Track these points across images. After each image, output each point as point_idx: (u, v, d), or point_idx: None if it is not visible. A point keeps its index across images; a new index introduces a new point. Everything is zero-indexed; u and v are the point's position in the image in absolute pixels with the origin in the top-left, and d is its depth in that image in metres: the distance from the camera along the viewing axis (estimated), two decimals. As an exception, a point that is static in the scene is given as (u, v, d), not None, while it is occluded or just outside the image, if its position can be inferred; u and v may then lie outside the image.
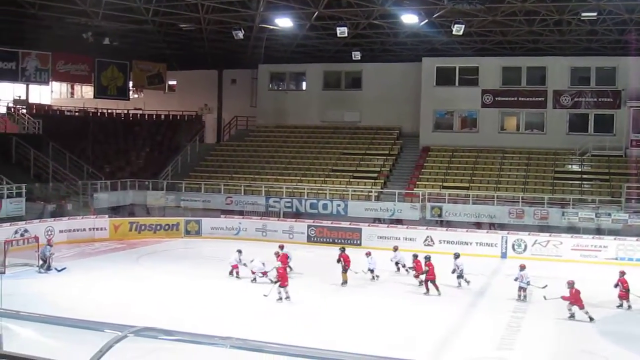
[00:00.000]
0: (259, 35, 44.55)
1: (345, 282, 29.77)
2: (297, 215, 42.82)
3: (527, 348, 21.08)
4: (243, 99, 57.03)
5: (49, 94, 61.92)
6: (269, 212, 43.45)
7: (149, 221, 42.42)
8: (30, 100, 56.20)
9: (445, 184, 43.81)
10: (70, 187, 44.09)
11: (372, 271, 31.03)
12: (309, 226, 41.11)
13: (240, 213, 43.57)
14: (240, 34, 41.95)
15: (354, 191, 43.81)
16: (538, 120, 48.28)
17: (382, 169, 47.02)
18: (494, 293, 28.84)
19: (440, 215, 40.84)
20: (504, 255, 37.25)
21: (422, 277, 28.58)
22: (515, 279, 27.49)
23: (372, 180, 45.41)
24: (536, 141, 47.33)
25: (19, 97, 55.36)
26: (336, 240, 39.88)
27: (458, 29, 38.36)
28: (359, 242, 39.55)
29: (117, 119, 58.08)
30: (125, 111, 58.88)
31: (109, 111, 58.56)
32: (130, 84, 57.56)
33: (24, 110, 53.08)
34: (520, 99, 48.02)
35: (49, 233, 36.79)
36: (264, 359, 7.71)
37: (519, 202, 40.71)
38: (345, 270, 29.93)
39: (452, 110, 49.88)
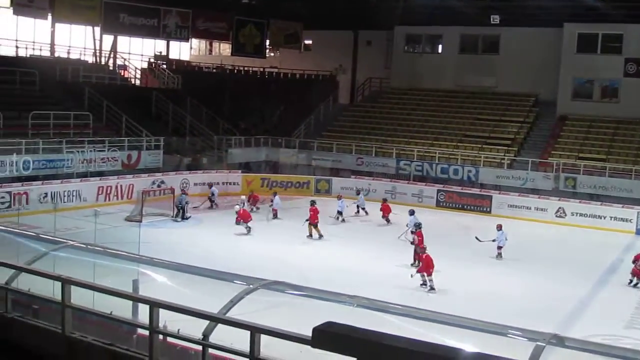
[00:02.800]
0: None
1: (310, 235, 30.81)
2: (427, 179, 42.65)
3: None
4: (377, 60, 56.85)
5: (188, 50, 63.46)
6: (399, 175, 43.42)
7: (280, 178, 43.17)
8: (170, 56, 57.73)
9: (581, 155, 42.48)
10: (205, 142, 45.25)
11: (340, 213, 35.05)
12: (438, 191, 40.88)
13: (370, 174, 43.73)
14: (378, -5, 41.76)
15: (486, 158, 43.16)
16: (685, 92, 46.04)
17: (517, 136, 46.03)
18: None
19: (574, 187, 39.71)
20: (639, 232, 35.96)
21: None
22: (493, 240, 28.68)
23: (505, 148, 44.55)
24: (682, 114, 45.23)
25: (160, 52, 56.97)
26: (465, 207, 39.59)
27: (603, -6, 37.01)
28: (489, 209, 39.07)
29: (253, 77, 58.97)
30: (261, 69, 59.70)
31: (246, 69, 59.53)
32: (267, 42, 58.36)
33: (164, 66, 54.58)
34: (666, 69, 45.90)
35: (184, 185, 38.07)
36: (388, 319, 7.76)
37: (659, 176, 39.19)
38: (314, 225, 30.89)
39: (592, 79, 48.08)
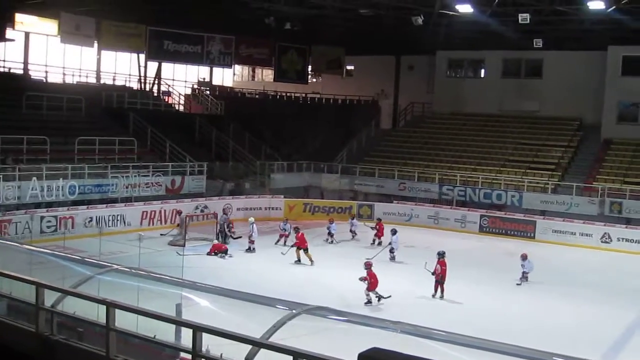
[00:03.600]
0: (438, 22, 44.23)
1: (298, 260, 30.20)
2: (470, 204, 42.33)
3: None
4: (419, 85, 56.82)
5: (231, 76, 64.08)
6: (442, 200, 43.19)
7: (322, 203, 43.19)
8: (214, 82, 58.28)
9: (627, 179, 41.91)
10: (248, 167, 45.51)
11: (331, 235, 35.39)
12: (481, 216, 40.58)
13: (413, 199, 43.56)
14: (420, 20, 41.84)
15: (530, 183, 42.76)
16: None
17: (560, 160, 45.57)
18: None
19: (620, 212, 39.13)
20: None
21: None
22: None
23: (549, 172, 44.12)
24: None
25: (203, 79, 57.57)
26: (509, 232, 39.25)
27: (649, 16, 36.64)
28: (532, 235, 38.68)
29: (295, 102, 59.29)
30: (303, 95, 60.02)
31: (288, 94, 59.88)
32: (309, 68, 58.75)
33: (208, 92, 55.14)
34: None
35: (228, 208, 38.31)
36: (432, 345, 7.71)
37: None
38: (304, 250, 30.23)
39: (637, 102, 47.38)
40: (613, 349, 20.03)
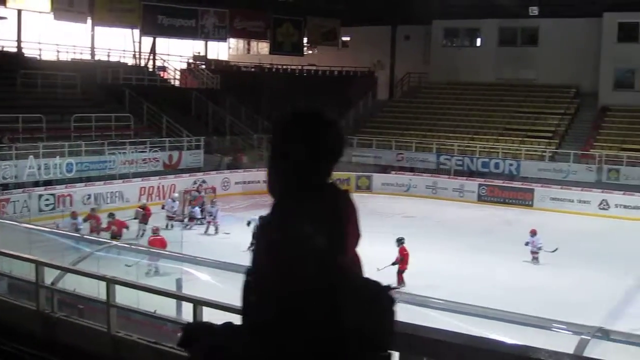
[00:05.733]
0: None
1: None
2: (469, 173, 42.35)
3: None
4: (416, 55, 56.58)
5: (226, 50, 63.81)
6: (440, 170, 43.19)
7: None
8: (209, 56, 58.08)
9: (624, 146, 41.91)
10: (245, 141, 45.46)
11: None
12: (479, 185, 40.64)
13: (411, 170, 43.57)
14: (415, -11, 41.68)
15: (527, 151, 42.77)
16: None
17: (557, 128, 45.53)
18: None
19: (617, 179, 39.20)
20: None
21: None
22: (526, 244, 26.98)
23: (547, 140, 44.12)
24: None
25: (198, 53, 57.38)
26: (507, 201, 39.33)
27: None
28: (531, 203, 38.77)
29: (291, 75, 59.09)
30: (300, 67, 59.82)
31: (284, 67, 59.68)
32: (305, 40, 58.52)
33: (203, 66, 54.97)
34: None
35: (226, 184, 38.33)
36: (429, 313, 7.75)
37: None
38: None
39: (633, 69, 47.38)
40: (612, 315, 20.12)
